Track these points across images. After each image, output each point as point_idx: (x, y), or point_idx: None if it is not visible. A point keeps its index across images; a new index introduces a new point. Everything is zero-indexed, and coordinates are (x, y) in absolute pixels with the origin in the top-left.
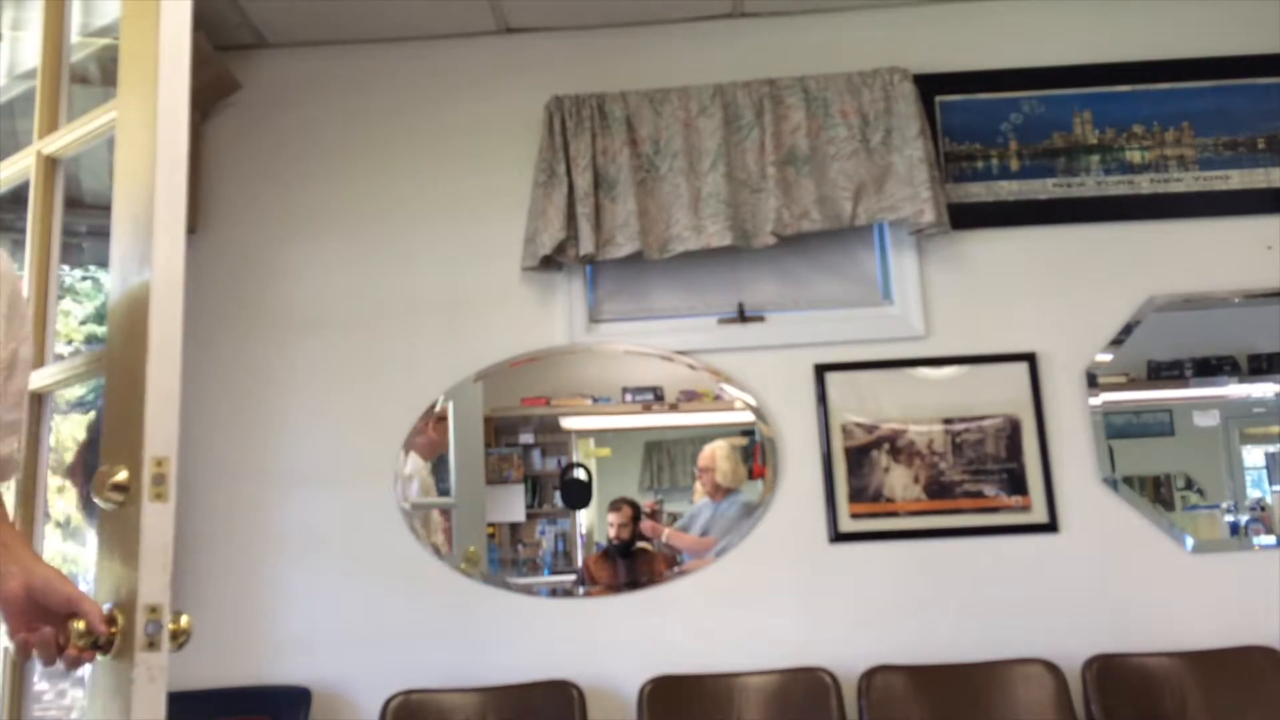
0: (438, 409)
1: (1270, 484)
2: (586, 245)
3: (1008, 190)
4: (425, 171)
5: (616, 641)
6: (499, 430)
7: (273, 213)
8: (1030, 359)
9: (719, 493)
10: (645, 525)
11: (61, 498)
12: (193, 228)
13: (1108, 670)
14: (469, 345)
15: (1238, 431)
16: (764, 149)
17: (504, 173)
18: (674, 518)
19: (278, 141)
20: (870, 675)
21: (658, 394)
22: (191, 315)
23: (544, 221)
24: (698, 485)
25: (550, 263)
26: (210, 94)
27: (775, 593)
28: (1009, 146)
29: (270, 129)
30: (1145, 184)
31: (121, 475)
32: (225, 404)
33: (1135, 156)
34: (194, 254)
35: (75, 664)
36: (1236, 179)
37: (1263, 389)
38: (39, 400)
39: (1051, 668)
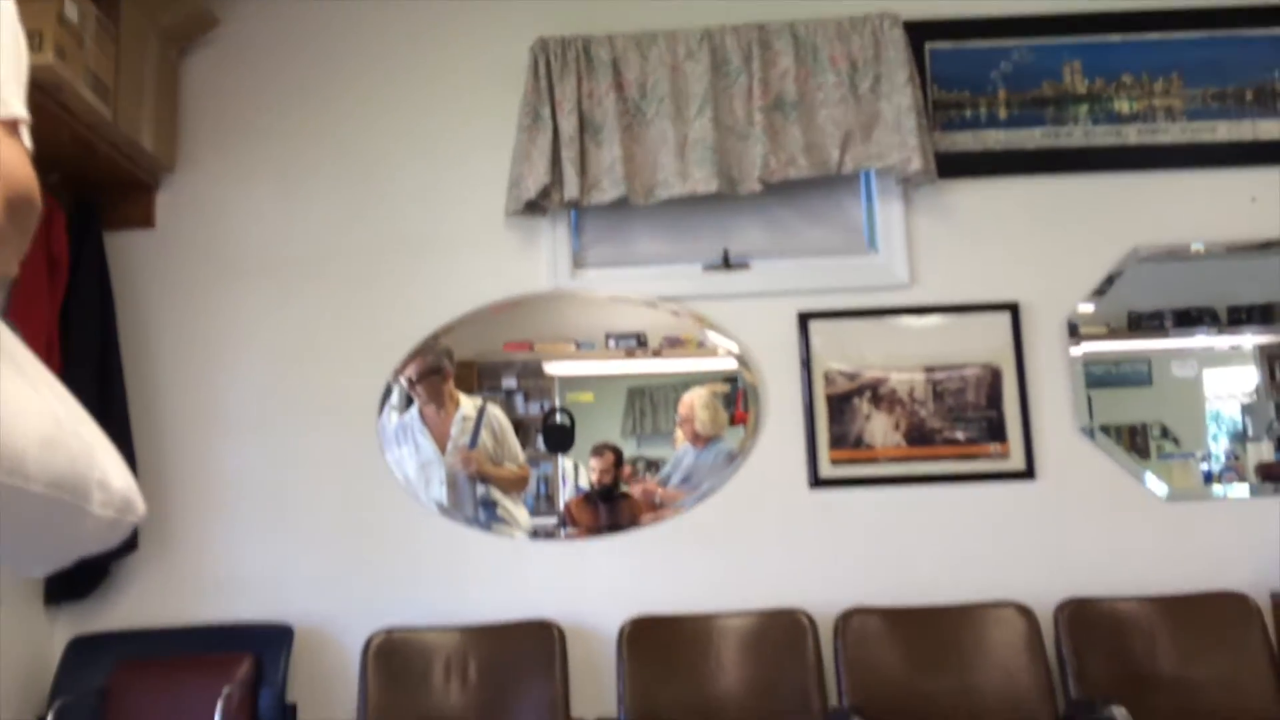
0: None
1: (1245, 434)
2: (571, 190)
3: (995, 139)
4: (407, 114)
5: (597, 583)
6: (482, 375)
7: (250, 153)
8: (1013, 309)
9: (699, 441)
10: (636, 490)
11: None
12: (170, 166)
13: (1079, 614)
14: (452, 289)
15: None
16: (752, 95)
17: (488, 116)
18: (655, 466)
19: (256, 81)
20: (847, 617)
21: (641, 340)
22: (166, 256)
23: (528, 166)
24: (679, 433)
25: (534, 207)
26: (187, 29)
27: (755, 537)
28: (998, 95)
29: (249, 68)
30: (1133, 135)
31: None
32: (200, 346)
33: (1124, 107)
34: (170, 194)
35: None
36: (1224, 130)
37: (1241, 340)
38: None
39: (1024, 611)
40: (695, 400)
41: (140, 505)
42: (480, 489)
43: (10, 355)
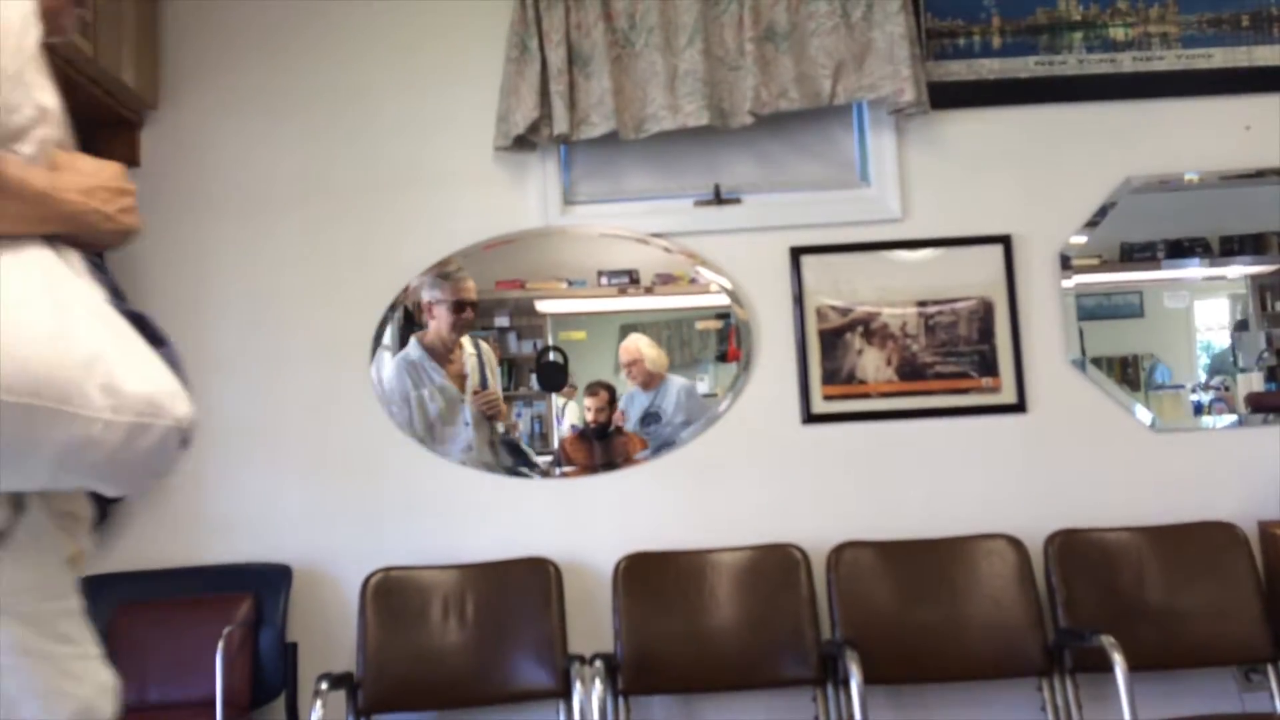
0: None
1: (1236, 364)
2: (560, 124)
3: (989, 68)
4: (393, 46)
5: (592, 520)
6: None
7: (235, 88)
8: (1005, 241)
9: (653, 380)
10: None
11: None
12: (153, 103)
13: (1069, 544)
14: (442, 225)
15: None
16: (742, 24)
17: (475, 48)
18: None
19: (239, 14)
20: (839, 551)
21: (633, 277)
22: (153, 194)
23: (516, 100)
24: (624, 377)
25: (523, 142)
26: None
27: (748, 473)
28: (991, 23)
29: (231, 1)
30: (1127, 62)
31: None
32: (190, 285)
33: (1118, 34)
34: (153, 132)
35: None
36: (1219, 57)
37: (1233, 270)
38: None
39: (1015, 542)
40: (640, 342)
41: (173, 407)
42: (500, 430)
43: None
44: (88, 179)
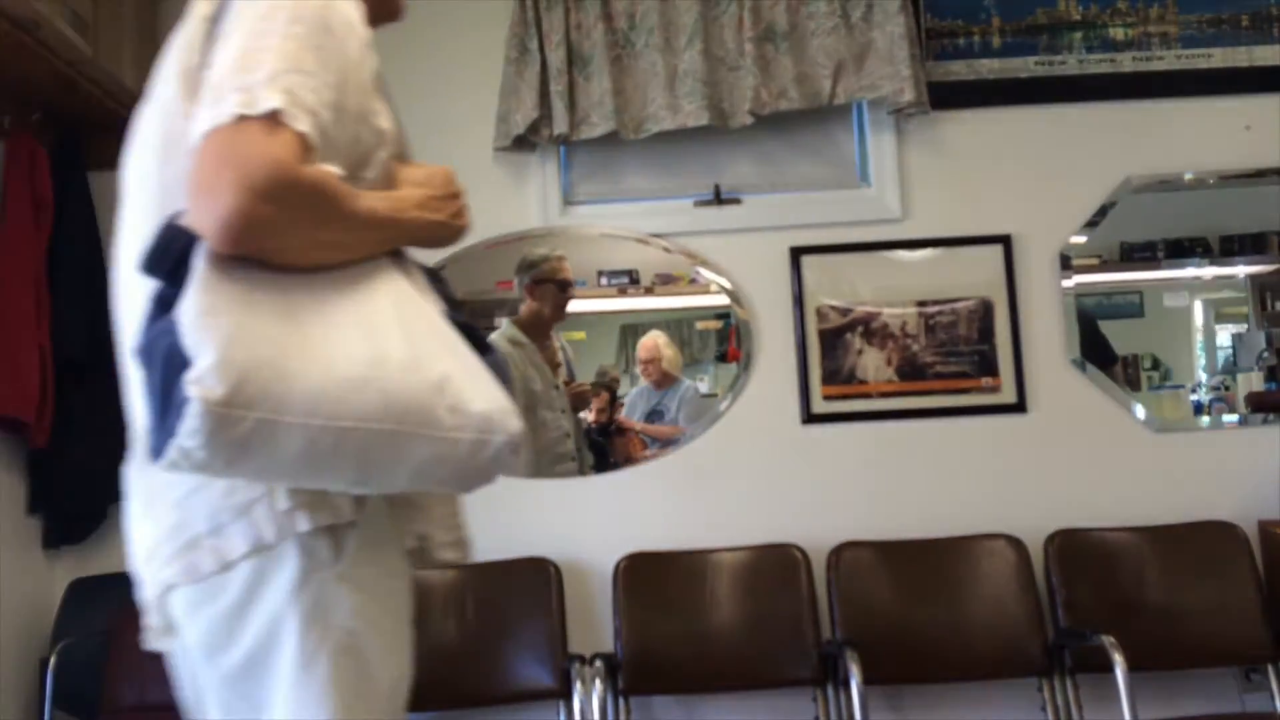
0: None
1: (1236, 364)
2: (560, 125)
3: (989, 68)
4: (391, 46)
5: (593, 520)
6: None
7: None
8: (1005, 241)
9: (666, 380)
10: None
11: None
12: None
13: (1068, 544)
14: None
15: (1214, 312)
16: (742, 24)
17: (474, 48)
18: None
19: None
20: (839, 551)
21: (633, 277)
22: None
23: (516, 100)
24: (638, 374)
25: (523, 143)
26: None
27: (748, 473)
28: (991, 23)
29: None
30: (1127, 62)
31: None
32: None
33: (1118, 34)
34: None
35: None
36: (1219, 57)
37: (1233, 270)
38: None
39: (1015, 542)
40: (659, 340)
41: (505, 424)
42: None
43: (324, 310)
44: (421, 190)
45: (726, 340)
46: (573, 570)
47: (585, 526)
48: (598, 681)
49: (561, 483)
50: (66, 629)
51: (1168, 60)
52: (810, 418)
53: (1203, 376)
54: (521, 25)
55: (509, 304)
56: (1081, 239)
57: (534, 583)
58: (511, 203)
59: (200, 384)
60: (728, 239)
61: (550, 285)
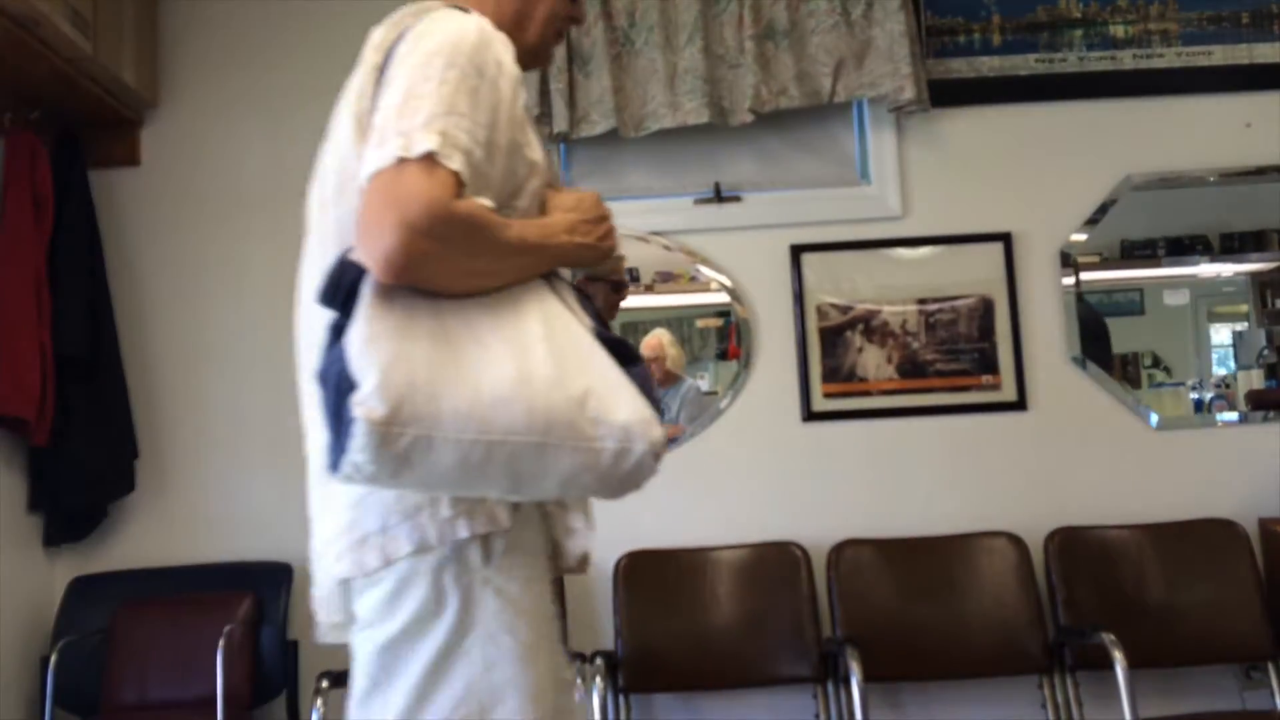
0: None
1: (1234, 362)
2: (560, 123)
3: (989, 66)
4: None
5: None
6: None
7: (234, 86)
8: (1005, 239)
9: (669, 379)
10: None
11: None
12: (153, 102)
13: (1069, 542)
14: None
15: (1206, 310)
16: (742, 22)
17: None
18: None
19: (237, 11)
20: (840, 548)
21: (633, 275)
22: (153, 193)
23: None
24: None
25: None
26: None
27: (748, 471)
28: (991, 20)
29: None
30: (1128, 60)
31: None
32: (190, 284)
33: (1119, 31)
34: (153, 131)
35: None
36: (1219, 54)
37: (1233, 268)
38: None
39: (1015, 540)
40: (664, 338)
41: (647, 433)
42: None
43: (476, 333)
44: (570, 215)
45: (727, 338)
46: None
47: None
48: (598, 679)
49: None
50: (67, 627)
51: (1168, 58)
52: (810, 416)
53: (1203, 374)
54: None
55: None
56: (1082, 237)
57: None
58: None
59: (364, 405)
60: (728, 237)
61: (603, 284)
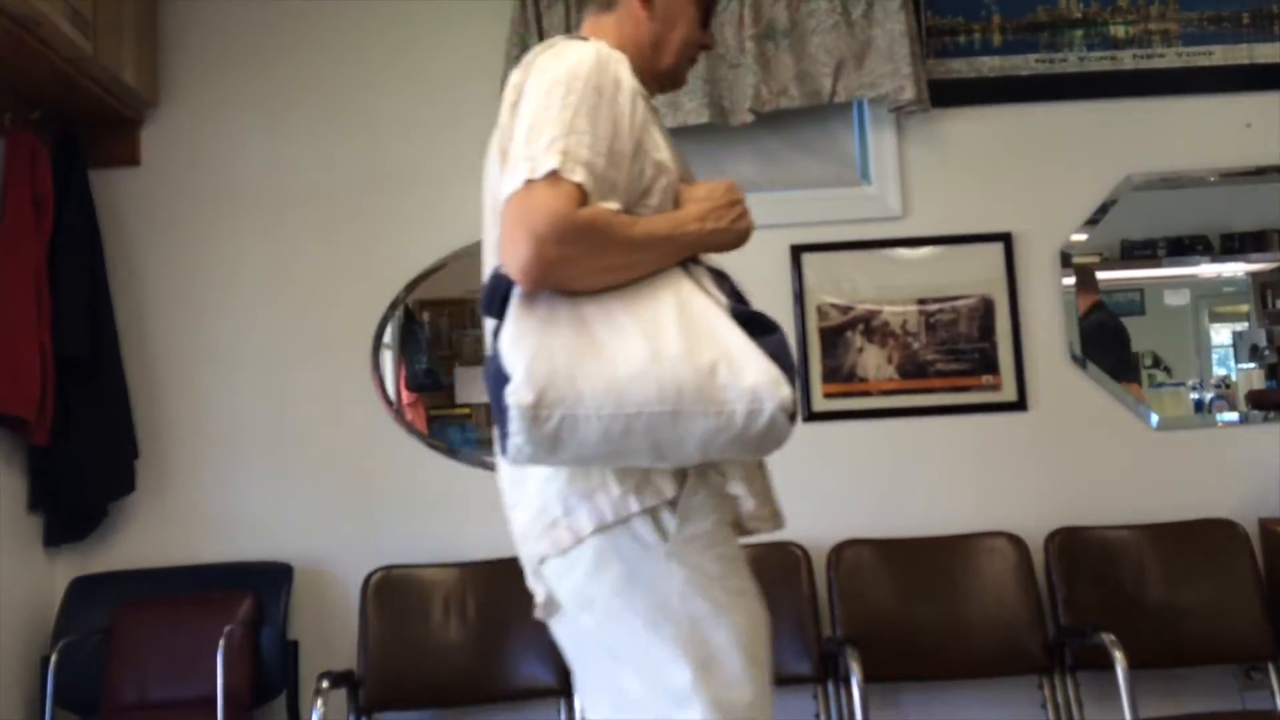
0: None
1: (1235, 362)
2: None
3: (989, 66)
4: (393, 43)
5: None
6: (475, 311)
7: (234, 86)
8: (1006, 239)
9: None
10: None
11: None
12: (153, 101)
13: (1069, 542)
14: (443, 225)
15: (1207, 310)
16: (743, 22)
17: (475, 47)
18: None
19: (237, 11)
20: (840, 549)
21: None
22: (153, 192)
23: None
24: None
25: None
26: None
27: None
28: (992, 20)
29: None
30: (1128, 60)
31: None
32: (191, 284)
33: (1119, 31)
34: (153, 131)
35: None
36: (1220, 54)
37: (1233, 268)
38: None
39: (1015, 540)
40: None
41: (775, 392)
42: None
43: (612, 320)
44: (702, 205)
45: None
46: None
47: None
48: None
49: None
50: (67, 627)
51: (1168, 58)
52: (811, 416)
53: (1203, 374)
54: (522, 24)
55: None
56: (1082, 237)
57: None
58: None
59: (515, 394)
60: None
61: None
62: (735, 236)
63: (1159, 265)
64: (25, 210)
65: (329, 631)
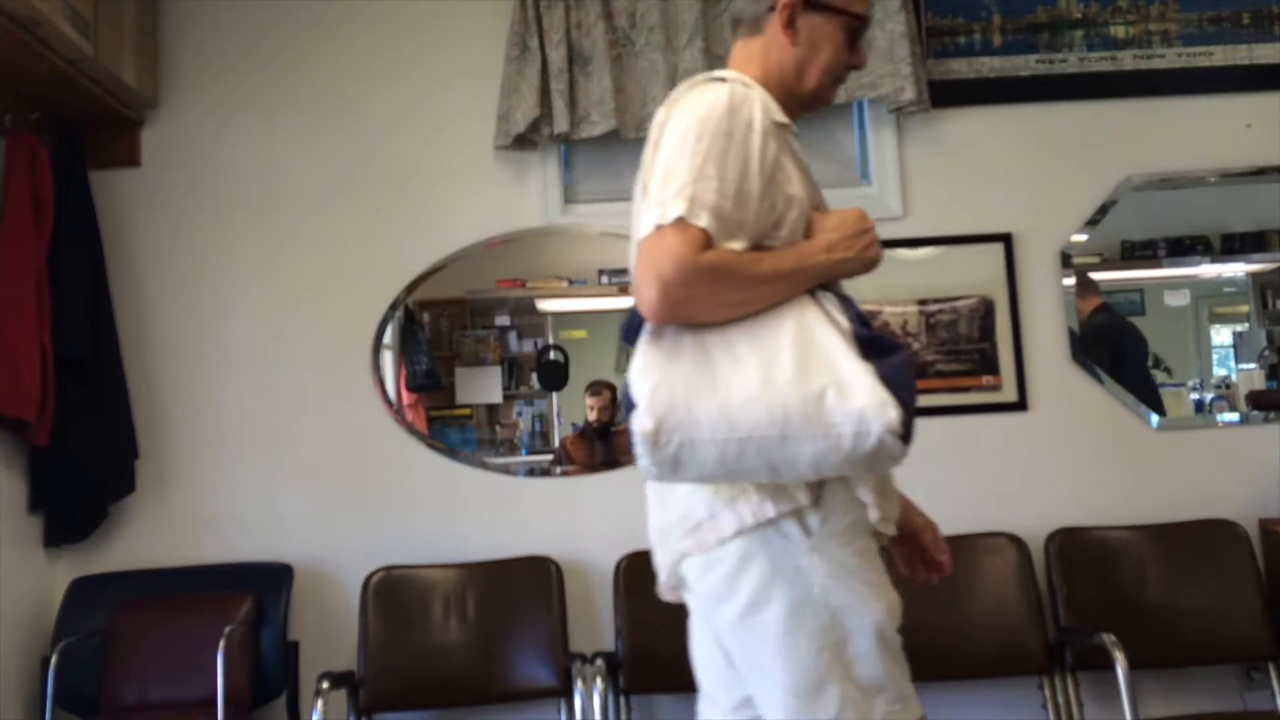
0: None
1: (1236, 362)
2: (561, 124)
3: (989, 67)
4: (392, 45)
5: (593, 519)
6: (475, 312)
7: (234, 87)
8: (1006, 239)
9: None
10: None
11: None
12: (153, 102)
13: (1070, 543)
14: (444, 224)
15: (1207, 311)
16: None
17: (475, 47)
18: None
19: (237, 12)
20: None
21: None
22: (153, 194)
23: (517, 99)
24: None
25: (524, 141)
26: None
27: None
28: (992, 21)
29: (233, 1)
30: (1128, 60)
31: None
32: (191, 284)
33: (1119, 32)
34: (153, 131)
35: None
36: (1220, 55)
37: (1233, 269)
38: None
39: (1016, 540)
40: None
41: (882, 415)
42: None
43: (732, 351)
44: (830, 235)
45: None
46: (574, 569)
47: (586, 525)
48: (599, 680)
49: (562, 482)
50: (68, 627)
51: (1169, 58)
52: None
53: (1204, 374)
54: (522, 24)
55: (509, 303)
56: (1082, 237)
57: (535, 581)
58: (512, 201)
59: (638, 421)
60: None
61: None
62: (864, 265)
63: (1159, 266)
64: (25, 211)
65: (329, 632)
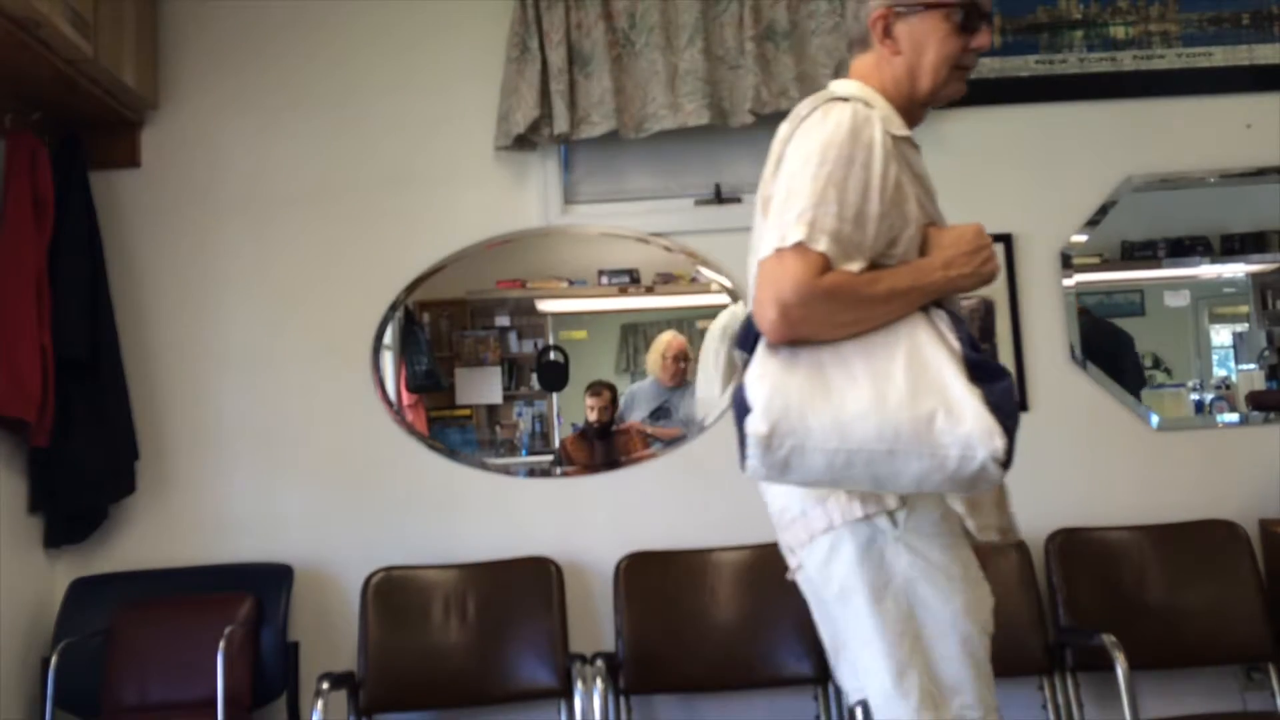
0: None
1: (1236, 363)
2: (561, 124)
3: (989, 67)
4: (393, 46)
5: (593, 519)
6: (475, 313)
7: (234, 88)
8: (1006, 240)
9: (678, 380)
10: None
11: None
12: (154, 103)
13: (1070, 544)
14: (444, 224)
15: (1207, 311)
16: (743, 23)
17: (475, 47)
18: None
19: (237, 13)
20: None
21: (634, 276)
22: (153, 194)
23: (517, 99)
24: (656, 367)
25: (524, 142)
26: None
27: None
28: (992, 21)
29: (233, 1)
30: (1128, 61)
31: None
32: (191, 285)
33: (1119, 32)
34: (153, 132)
35: None
36: (1220, 55)
37: (1233, 269)
38: None
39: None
40: (685, 342)
41: (988, 442)
42: None
43: (846, 366)
44: (946, 251)
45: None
46: (574, 570)
47: (586, 526)
48: (599, 681)
49: (562, 482)
50: (68, 628)
51: (1169, 59)
52: None
53: (1203, 375)
54: (522, 24)
55: (509, 303)
56: (1082, 238)
57: (535, 582)
58: (512, 202)
59: (753, 424)
60: (728, 238)
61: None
62: (980, 280)
63: (1159, 266)
64: (26, 211)
65: (329, 632)
